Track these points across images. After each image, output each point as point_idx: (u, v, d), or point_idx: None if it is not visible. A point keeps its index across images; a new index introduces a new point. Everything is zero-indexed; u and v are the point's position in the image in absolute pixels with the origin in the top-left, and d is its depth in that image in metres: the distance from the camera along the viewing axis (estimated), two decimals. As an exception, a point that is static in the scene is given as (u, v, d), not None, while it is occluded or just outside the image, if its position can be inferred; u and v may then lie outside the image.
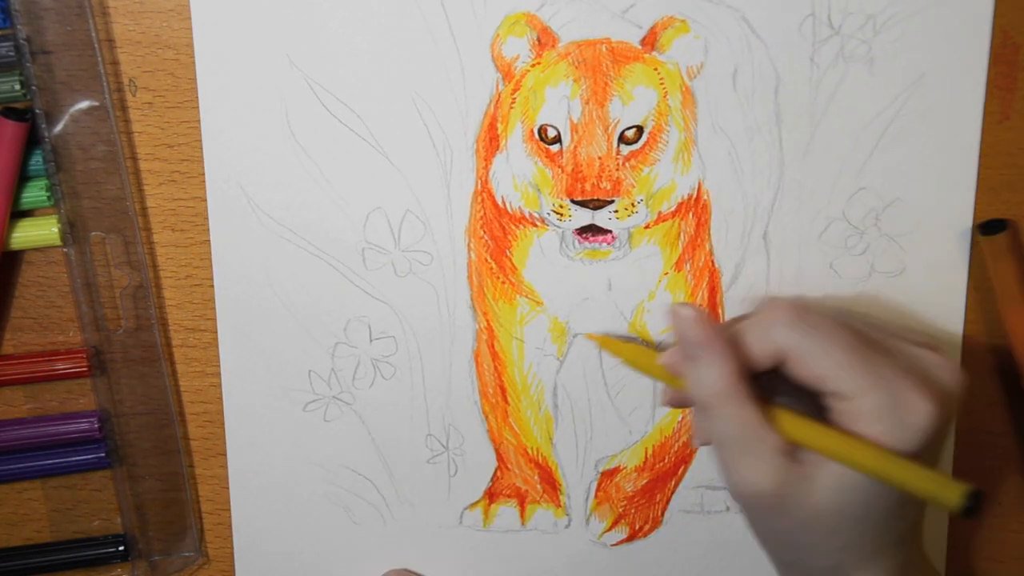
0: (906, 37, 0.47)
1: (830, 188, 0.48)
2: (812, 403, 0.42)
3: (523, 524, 0.52)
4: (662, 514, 0.52)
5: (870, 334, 0.42)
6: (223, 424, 0.51)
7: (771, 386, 0.42)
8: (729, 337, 0.42)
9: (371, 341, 0.50)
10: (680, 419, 0.51)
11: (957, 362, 0.43)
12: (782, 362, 0.41)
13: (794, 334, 0.41)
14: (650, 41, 0.47)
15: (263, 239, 0.49)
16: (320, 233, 0.49)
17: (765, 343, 0.41)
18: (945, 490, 0.38)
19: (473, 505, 0.52)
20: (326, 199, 0.49)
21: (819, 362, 0.40)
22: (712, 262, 0.49)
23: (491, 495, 0.52)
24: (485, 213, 0.49)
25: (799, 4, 0.46)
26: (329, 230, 0.49)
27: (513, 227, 0.49)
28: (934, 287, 0.49)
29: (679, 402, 0.46)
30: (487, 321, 0.50)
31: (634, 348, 0.48)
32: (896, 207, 0.48)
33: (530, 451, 0.52)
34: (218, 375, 0.50)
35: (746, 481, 0.41)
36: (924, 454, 0.39)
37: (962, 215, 0.48)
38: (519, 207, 0.49)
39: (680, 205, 0.49)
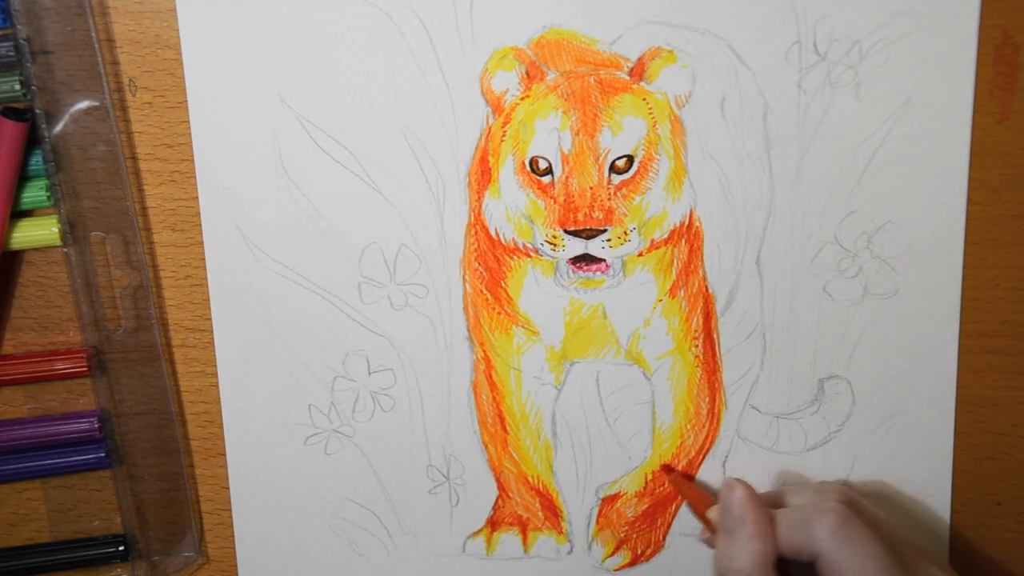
0: (892, 62, 0.47)
1: (821, 212, 0.48)
2: None
3: (526, 551, 0.53)
4: (663, 538, 0.52)
5: (906, 557, 0.43)
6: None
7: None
8: (769, 518, 0.44)
9: (370, 374, 0.51)
10: (679, 444, 0.51)
11: None
12: (815, 561, 0.43)
13: (835, 543, 0.42)
14: (638, 72, 0.47)
15: (260, 276, 0.49)
16: (316, 269, 0.49)
17: (803, 540, 0.43)
18: None
19: (476, 534, 0.52)
20: (321, 235, 0.49)
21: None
22: (706, 287, 0.50)
23: (493, 523, 0.52)
24: (479, 245, 0.49)
25: (785, 31, 0.47)
26: (325, 265, 0.49)
27: (507, 258, 0.49)
28: (928, 308, 0.49)
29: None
30: (484, 352, 0.50)
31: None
32: (887, 229, 0.49)
33: (531, 479, 0.52)
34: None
35: None
36: None
37: (953, 235, 0.48)
38: (513, 238, 0.49)
39: (672, 232, 0.49)
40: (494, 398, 0.51)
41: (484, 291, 0.50)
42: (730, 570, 0.44)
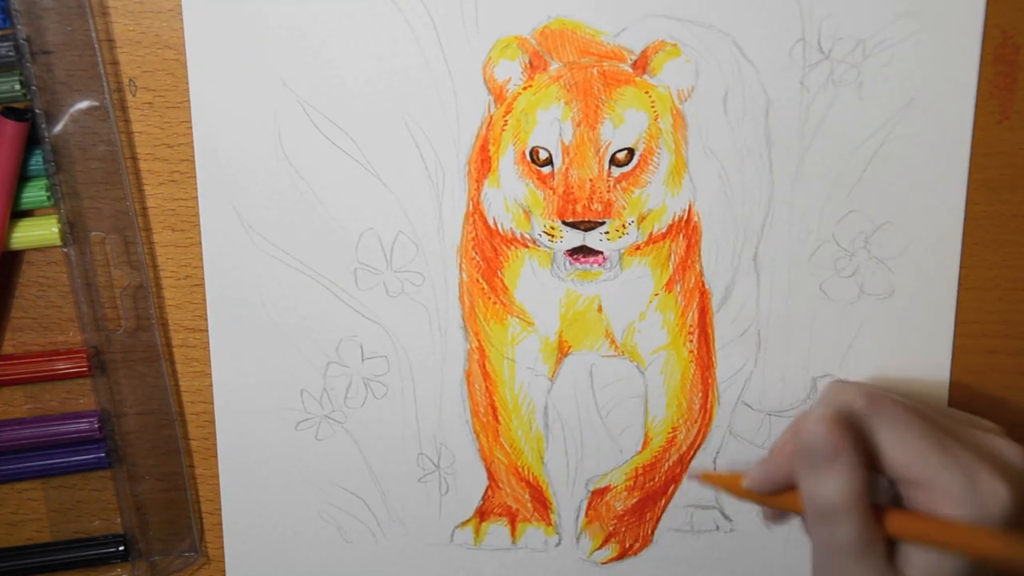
0: (895, 62, 0.47)
1: (820, 210, 0.49)
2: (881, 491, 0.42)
3: (514, 542, 0.52)
4: (652, 533, 0.52)
5: (938, 419, 0.42)
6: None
7: None
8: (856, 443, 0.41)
9: (363, 360, 0.50)
10: (671, 439, 0.51)
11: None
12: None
13: (868, 425, 0.41)
14: (641, 64, 0.47)
15: (256, 259, 0.49)
16: (313, 253, 0.49)
17: None
18: None
19: (464, 523, 0.52)
20: (319, 220, 0.49)
21: (895, 450, 0.40)
22: (702, 283, 0.50)
23: (482, 513, 0.52)
24: (477, 234, 0.49)
25: (789, 29, 0.47)
26: (321, 250, 0.49)
27: (504, 248, 0.49)
28: (923, 309, 0.49)
29: (782, 517, 0.46)
30: (478, 341, 0.50)
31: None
32: (885, 230, 0.49)
33: (521, 470, 0.52)
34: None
35: None
36: None
37: (951, 238, 0.49)
38: (510, 228, 0.49)
39: (671, 227, 0.49)
40: (487, 388, 0.51)
41: (480, 280, 0.50)
42: (831, 504, 0.40)
